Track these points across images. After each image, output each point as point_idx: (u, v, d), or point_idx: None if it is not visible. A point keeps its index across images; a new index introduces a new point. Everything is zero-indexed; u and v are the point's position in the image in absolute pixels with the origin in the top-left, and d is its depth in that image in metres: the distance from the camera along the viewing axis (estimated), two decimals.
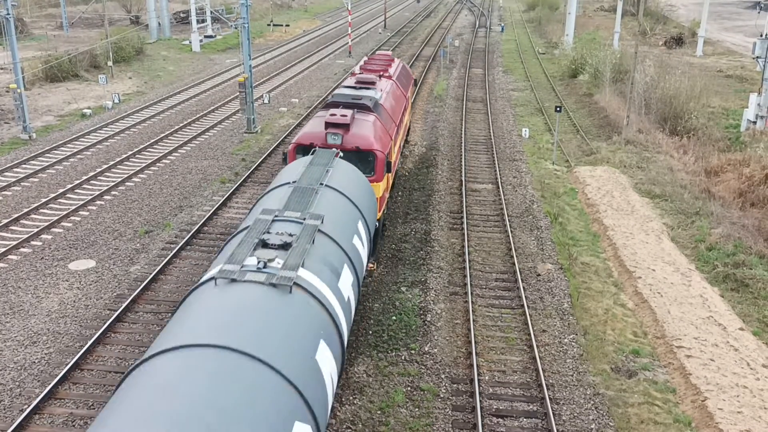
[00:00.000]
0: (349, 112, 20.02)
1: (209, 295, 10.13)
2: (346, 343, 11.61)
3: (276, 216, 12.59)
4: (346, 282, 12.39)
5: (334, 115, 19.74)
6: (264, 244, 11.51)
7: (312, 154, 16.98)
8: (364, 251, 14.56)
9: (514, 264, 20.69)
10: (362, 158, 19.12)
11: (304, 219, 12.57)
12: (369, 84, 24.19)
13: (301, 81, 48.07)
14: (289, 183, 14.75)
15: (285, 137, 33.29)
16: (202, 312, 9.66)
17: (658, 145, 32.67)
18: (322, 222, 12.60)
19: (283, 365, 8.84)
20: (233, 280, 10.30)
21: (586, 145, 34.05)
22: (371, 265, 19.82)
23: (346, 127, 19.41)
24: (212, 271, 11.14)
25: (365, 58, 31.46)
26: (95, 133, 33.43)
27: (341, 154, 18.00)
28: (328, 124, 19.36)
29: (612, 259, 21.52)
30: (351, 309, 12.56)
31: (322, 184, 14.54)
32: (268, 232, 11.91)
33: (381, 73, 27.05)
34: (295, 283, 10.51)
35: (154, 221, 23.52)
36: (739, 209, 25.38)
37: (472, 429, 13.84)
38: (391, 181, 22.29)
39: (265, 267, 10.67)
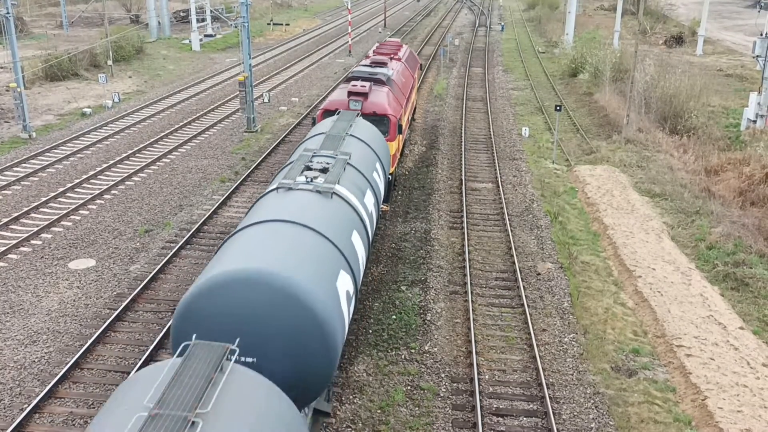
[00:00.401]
0: (367, 83, 23.58)
1: (274, 198, 13.94)
2: (370, 239, 15.63)
3: (314, 153, 16.31)
4: (369, 200, 16.04)
5: (355, 85, 23.34)
6: (308, 169, 15.30)
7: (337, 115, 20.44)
8: (381, 184, 18.12)
9: (514, 263, 20.70)
10: (378, 121, 22.46)
11: (336, 155, 16.19)
12: (382, 64, 27.87)
13: (301, 80, 48.06)
14: (321, 133, 18.33)
15: (285, 136, 33.29)
16: (272, 205, 13.48)
17: (658, 144, 32.67)
18: (349, 157, 16.19)
19: (332, 236, 12.73)
20: (290, 189, 14.15)
21: (586, 144, 34.05)
22: (385, 207, 22.64)
23: (365, 95, 22.95)
24: (271, 187, 14.97)
25: (377, 44, 35.16)
26: (95, 132, 33.43)
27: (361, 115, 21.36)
28: (350, 93, 23.03)
29: (612, 258, 21.52)
30: (373, 220, 16.25)
31: (347, 134, 17.96)
32: (310, 162, 15.65)
33: (392, 55, 30.63)
34: (333, 192, 14.25)
35: (154, 220, 23.52)
36: (739, 208, 25.38)
37: (472, 428, 13.85)
38: (401, 143, 25.88)
39: (311, 182, 14.42)
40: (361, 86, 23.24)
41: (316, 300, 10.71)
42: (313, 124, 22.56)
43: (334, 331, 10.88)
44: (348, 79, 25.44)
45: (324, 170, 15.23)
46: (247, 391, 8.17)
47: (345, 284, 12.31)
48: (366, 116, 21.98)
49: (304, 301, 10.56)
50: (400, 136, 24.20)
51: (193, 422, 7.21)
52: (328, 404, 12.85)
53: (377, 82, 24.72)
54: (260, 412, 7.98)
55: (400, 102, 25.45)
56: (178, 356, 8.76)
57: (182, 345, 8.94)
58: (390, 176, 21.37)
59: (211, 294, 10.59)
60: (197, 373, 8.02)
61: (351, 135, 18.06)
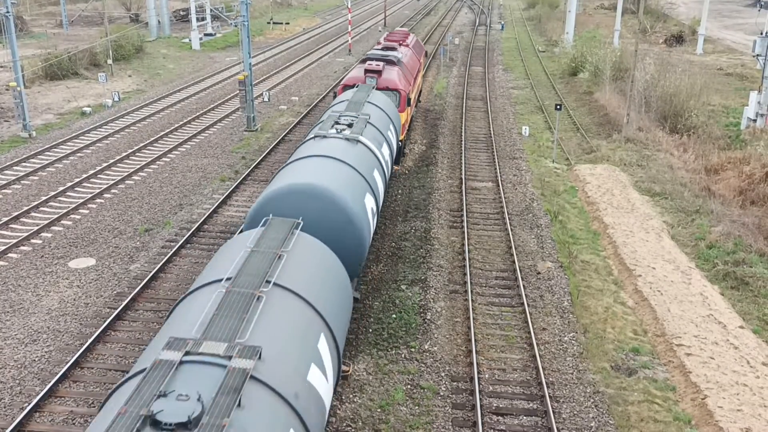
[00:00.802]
0: (381, 63, 27.48)
1: (312, 143, 17.93)
2: (387, 180, 19.91)
3: (340, 114, 20.13)
4: (385, 151, 20.00)
5: (371, 65, 27.21)
6: (337, 123, 19.34)
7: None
8: (394, 143, 21.98)
9: (514, 262, 20.70)
10: (390, 95, 26.00)
11: (359, 115, 20.03)
12: (392, 48, 31.70)
13: (301, 79, 48.05)
14: (345, 100, 22.32)
15: (285, 135, 33.29)
16: (312, 147, 17.37)
17: (658, 143, 32.66)
18: (369, 117, 20.16)
19: (360, 168, 16.61)
20: (324, 137, 18.14)
21: (586, 143, 34.04)
22: (396, 167, 27.37)
23: (379, 72, 26.77)
24: (309, 137, 18.88)
25: (387, 33, 39.18)
26: (95, 132, 33.43)
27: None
28: (366, 71, 26.79)
29: (612, 257, 21.52)
30: (388, 167, 20.46)
31: (366, 101, 22.04)
32: (338, 119, 19.55)
33: (401, 42, 34.27)
34: (358, 140, 18.08)
35: (154, 219, 23.52)
36: (739, 207, 25.37)
37: (472, 427, 13.85)
38: (410, 115, 29.94)
39: (340, 132, 18.37)
40: (376, 65, 27.13)
41: (351, 208, 14.60)
42: (334, 96, 26.87)
43: (363, 231, 14.78)
44: (363, 61, 29.36)
45: (350, 125, 19.16)
46: (311, 246, 12.76)
47: (370, 203, 16.22)
48: (380, 90, 25.44)
49: (343, 207, 14.51)
50: (409, 108, 28.17)
51: (280, 255, 11.59)
52: (356, 292, 16.71)
53: (389, 62, 28.45)
54: (320, 258, 12.58)
55: (409, 80, 29.53)
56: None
57: (264, 219, 13.40)
58: (400, 142, 25.41)
59: (277, 199, 14.54)
60: (277, 234, 12.42)
61: (369, 102, 22.03)
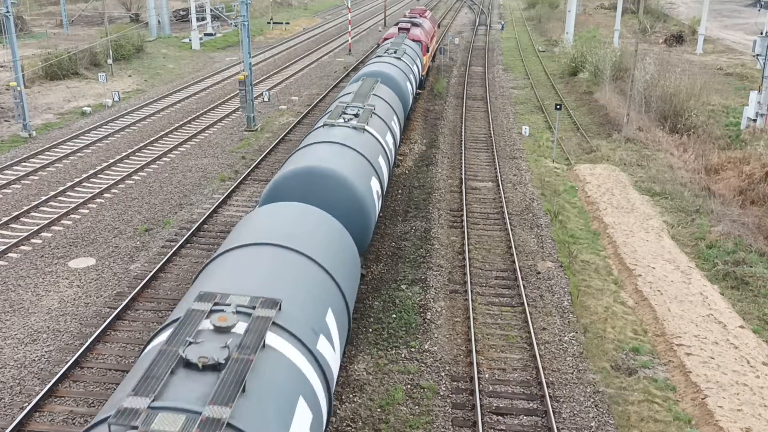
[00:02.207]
0: (409, 24, 42.52)
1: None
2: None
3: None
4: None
5: (403, 25, 42.27)
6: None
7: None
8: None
9: (514, 262, 20.70)
10: (416, 45, 38.50)
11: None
12: (415, 17, 46.31)
13: (301, 79, 48.05)
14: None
15: (285, 135, 33.29)
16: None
17: (658, 143, 32.66)
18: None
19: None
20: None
21: (586, 143, 34.04)
22: (420, 91, 40.39)
23: (408, 30, 41.35)
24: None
25: (409, 11, 51.94)
26: (95, 131, 33.42)
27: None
28: (399, 28, 41.79)
29: (612, 257, 21.52)
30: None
31: (402, 44, 34.94)
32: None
33: (420, 14, 49.45)
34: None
35: (154, 219, 23.52)
36: (739, 207, 25.37)
37: (472, 427, 13.85)
38: (429, 59, 44.42)
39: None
40: (405, 25, 42.25)
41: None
42: (378, 46, 40.29)
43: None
44: (396, 24, 43.61)
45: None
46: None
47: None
48: (409, 40, 38.02)
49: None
50: (428, 54, 42.91)
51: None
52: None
53: (414, 25, 42.91)
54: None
55: (428, 37, 44.08)
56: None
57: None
58: (422, 76, 39.75)
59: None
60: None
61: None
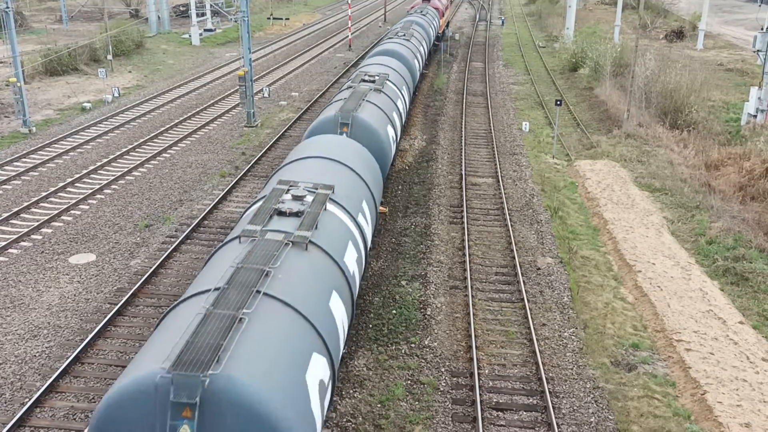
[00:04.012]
0: None
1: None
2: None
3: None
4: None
5: None
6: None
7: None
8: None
9: (514, 258, 20.71)
10: (434, 13, 51.95)
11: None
12: None
13: (301, 74, 48.00)
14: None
15: (285, 131, 33.27)
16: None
17: (659, 138, 32.63)
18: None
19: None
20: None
21: (586, 139, 34.02)
22: (437, 43, 53.58)
23: (429, 1, 55.81)
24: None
25: None
26: (95, 127, 33.41)
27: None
28: (423, 0, 55.84)
29: (612, 253, 21.53)
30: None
31: (425, 8, 52.54)
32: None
33: None
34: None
35: (154, 215, 23.53)
36: (739, 203, 25.37)
37: (472, 422, 13.88)
38: (444, 24, 58.22)
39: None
40: None
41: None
42: (408, 12, 52.10)
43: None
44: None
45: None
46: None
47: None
48: (429, 8, 52.48)
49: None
50: (443, 19, 56.06)
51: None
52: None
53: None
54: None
55: (445, 6, 58.81)
56: None
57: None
58: (439, 33, 53.67)
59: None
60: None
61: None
